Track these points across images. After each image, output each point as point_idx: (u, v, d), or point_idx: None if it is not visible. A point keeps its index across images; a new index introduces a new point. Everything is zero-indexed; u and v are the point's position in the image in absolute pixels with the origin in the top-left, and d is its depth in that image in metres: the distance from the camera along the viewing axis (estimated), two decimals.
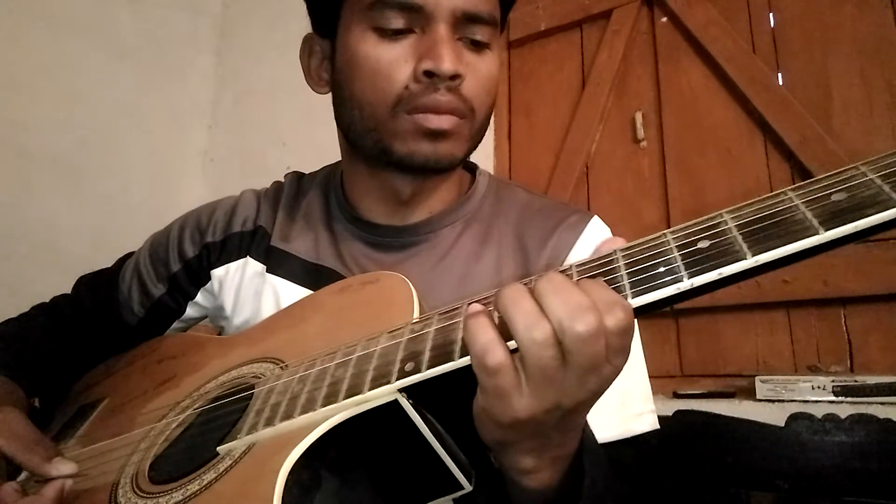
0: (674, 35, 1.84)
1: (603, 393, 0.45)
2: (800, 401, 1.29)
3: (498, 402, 0.44)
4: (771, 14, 1.71)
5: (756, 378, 1.33)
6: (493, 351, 0.43)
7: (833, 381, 1.28)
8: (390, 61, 0.70)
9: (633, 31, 1.90)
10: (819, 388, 1.28)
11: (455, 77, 0.70)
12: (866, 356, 1.43)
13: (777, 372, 1.39)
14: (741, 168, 1.68)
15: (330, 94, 0.83)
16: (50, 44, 2.08)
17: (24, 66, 2.02)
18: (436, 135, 0.71)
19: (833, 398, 1.26)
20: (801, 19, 1.66)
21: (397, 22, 0.70)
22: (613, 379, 0.45)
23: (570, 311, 0.41)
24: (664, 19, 1.87)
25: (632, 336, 0.44)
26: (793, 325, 1.52)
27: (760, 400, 1.32)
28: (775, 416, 1.29)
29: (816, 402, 1.27)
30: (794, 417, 1.28)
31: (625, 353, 0.44)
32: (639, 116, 1.85)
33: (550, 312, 0.42)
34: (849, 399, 1.25)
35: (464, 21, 0.71)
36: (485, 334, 0.44)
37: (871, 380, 1.24)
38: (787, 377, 1.32)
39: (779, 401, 1.31)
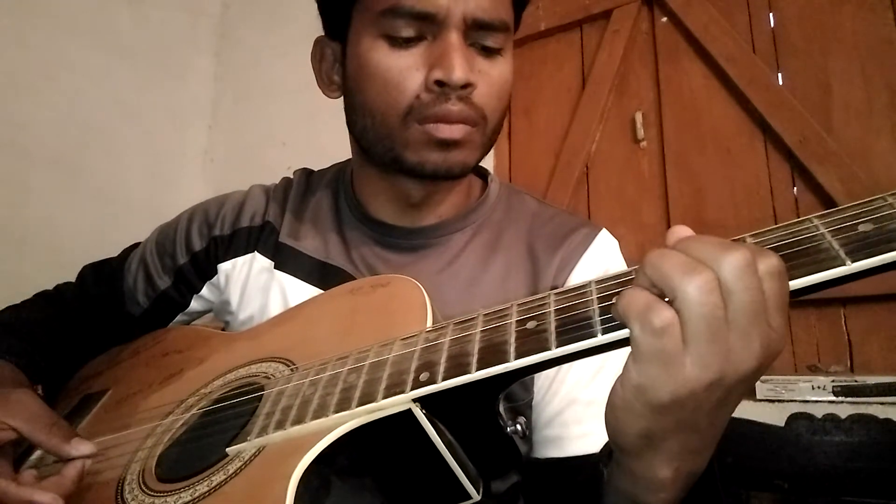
0: (674, 35, 1.85)
1: (765, 369, 0.42)
2: (800, 401, 1.29)
3: (660, 371, 0.41)
4: (771, 14, 1.72)
5: None
6: (657, 309, 0.40)
7: (833, 381, 1.28)
8: (401, 70, 0.70)
9: (633, 31, 1.91)
10: (819, 388, 1.28)
11: (466, 86, 0.69)
12: (866, 356, 1.44)
13: (777, 372, 1.39)
14: (741, 168, 1.68)
15: (336, 98, 0.82)
16: (50, 44, 2.08)
17: (24, 66, 2.01)
18: (447, 144, 0.71)
19: (833, 398, 1.26)
20: (801, 19, 1.67)
21: (408, 30, 0.69)
22: (777, 351, 0.41)
23: (719, 250, 0.39)
24: (664, 19, 1.87)
25: (787, 289, 0.41)
26: (793, 325, 1.53)
27: (760, 400, 1.32)
28: (775, 416, 1.29)
29: (816, 402, 1.27)
30: (794, 417, 1.28)
31: (784, 312, 0.41)
32: (639, 116, 1.86)
33: (702, 256, 0.40)
34: (849, 399, 1.25)
35: (475, 28, 0.70)
36: (643, 296, 0.41)
37: (871, 380, 1.25)
38: (787, 377, 1.32)
39: (779, 401, 1.31)
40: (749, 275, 0.39)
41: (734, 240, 0.43)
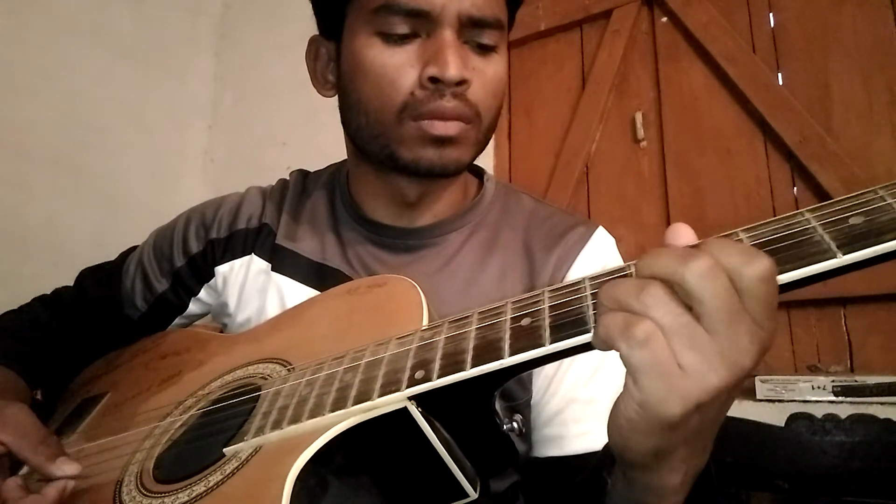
0: (674, 35, 1.85)
1: (756, 365, 0.41)
2: (800, 401, 1.28)
3: (660, 383, 0.40)
4: (771, 14, 1.72)
5: (756, 378, 1.33)
6: (635, 321, 0.39)
7: (833, 381, 1.28)
8: (395, 67, 0.70)
9: (633, 31, 1.91)
10: (819, 388, 1.28)
11: (461, 83, 0.69)
12: (866, 356, 1.44)
13: (777, 372, 1.39)
14: (741, 168, 1.68)
15: (331, 97, 0.82)
16: (50, 44, 2.08)
17: (24, 66, 2.02)
18: (441, 141, 0.71)
19: (833, 398, 1.26)
20: (801, 19, 1.67)
21: (402, 27, 0.69)
22: (767, 347, 0.41)
23: (675, 262, 0.39)
24: (664, 19, 1.87)
25: (775, 290, 0.40)
26: (793, 325, 1.53)
27: (760, 400, 1.31)
28: (775, 416, 1.29)
29: (816, 402, 1.27)
30: (794, 417, 1.28)
31: (772, 310, 0.40)
32: (639, 116, 1.86)
33: (655, 273, 0.40)
34: (849, 399, 1.25)
35: (469, 25, 0.70)
36: (618, 315, 0.41)
37: (871, 380, 1.24)
38: (787, 377, 1.32)
39: (779, 401, 1.30)
40: (712, 279, 0.38)
41: (726, 234, 0.43)
